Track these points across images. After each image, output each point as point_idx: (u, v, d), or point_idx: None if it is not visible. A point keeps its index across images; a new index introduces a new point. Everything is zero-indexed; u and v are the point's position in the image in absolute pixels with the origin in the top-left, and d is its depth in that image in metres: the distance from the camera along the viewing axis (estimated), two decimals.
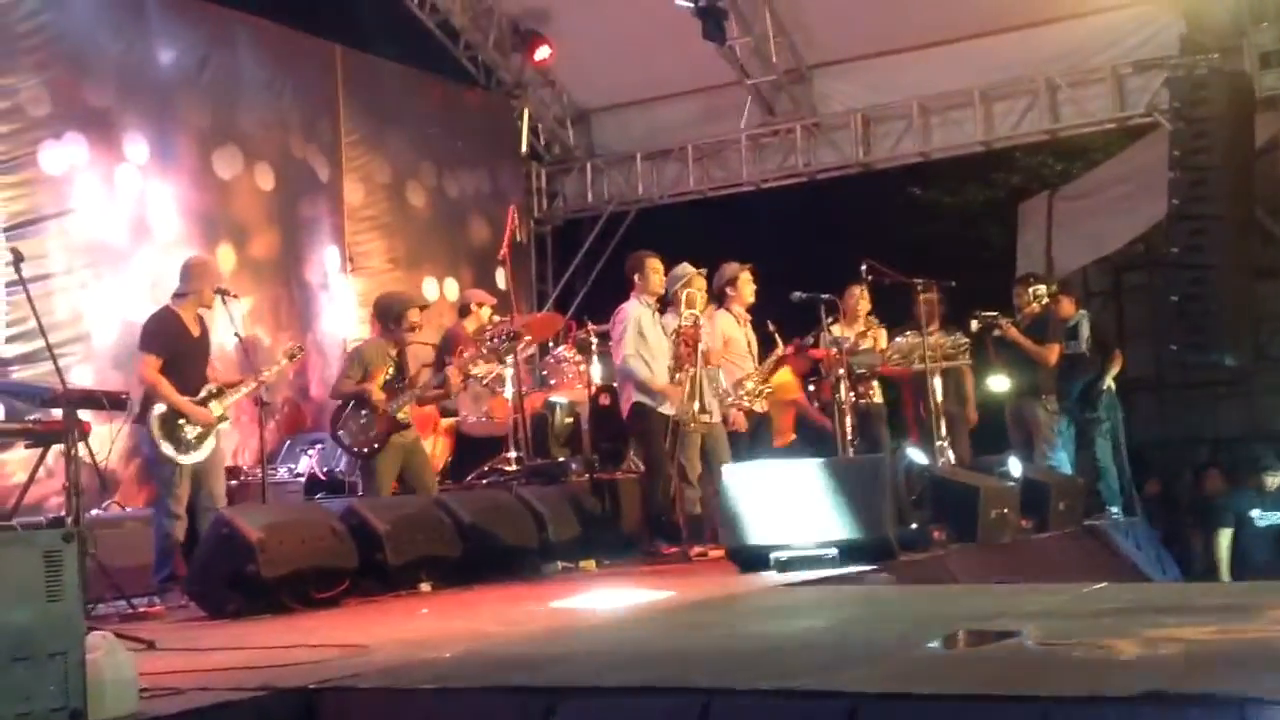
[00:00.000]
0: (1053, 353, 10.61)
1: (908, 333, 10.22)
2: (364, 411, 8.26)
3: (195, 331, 7.77)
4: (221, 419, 7.71)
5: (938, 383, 10.04)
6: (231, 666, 4.37)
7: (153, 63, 10.13)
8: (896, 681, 3.33)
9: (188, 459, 7.52)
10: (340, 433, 8.36)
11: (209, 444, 7.63)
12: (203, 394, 7.64)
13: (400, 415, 8.32)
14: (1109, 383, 10.99)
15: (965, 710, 3.01)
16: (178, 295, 7.81)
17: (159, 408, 7.46)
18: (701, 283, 8.90)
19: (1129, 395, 12.03)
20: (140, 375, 7.69)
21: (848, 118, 13.29)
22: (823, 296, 9.24)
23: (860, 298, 10.27)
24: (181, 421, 7.50)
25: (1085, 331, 11.07)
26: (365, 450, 8.30)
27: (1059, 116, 12.55)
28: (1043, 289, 11.00)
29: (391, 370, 8.43)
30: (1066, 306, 11.20)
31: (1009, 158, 15.80)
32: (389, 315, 8.62)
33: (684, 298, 8.70)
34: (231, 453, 9.84)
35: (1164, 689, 2.87)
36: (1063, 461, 10.72)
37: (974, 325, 10.52)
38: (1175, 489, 13.37)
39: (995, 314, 10.77)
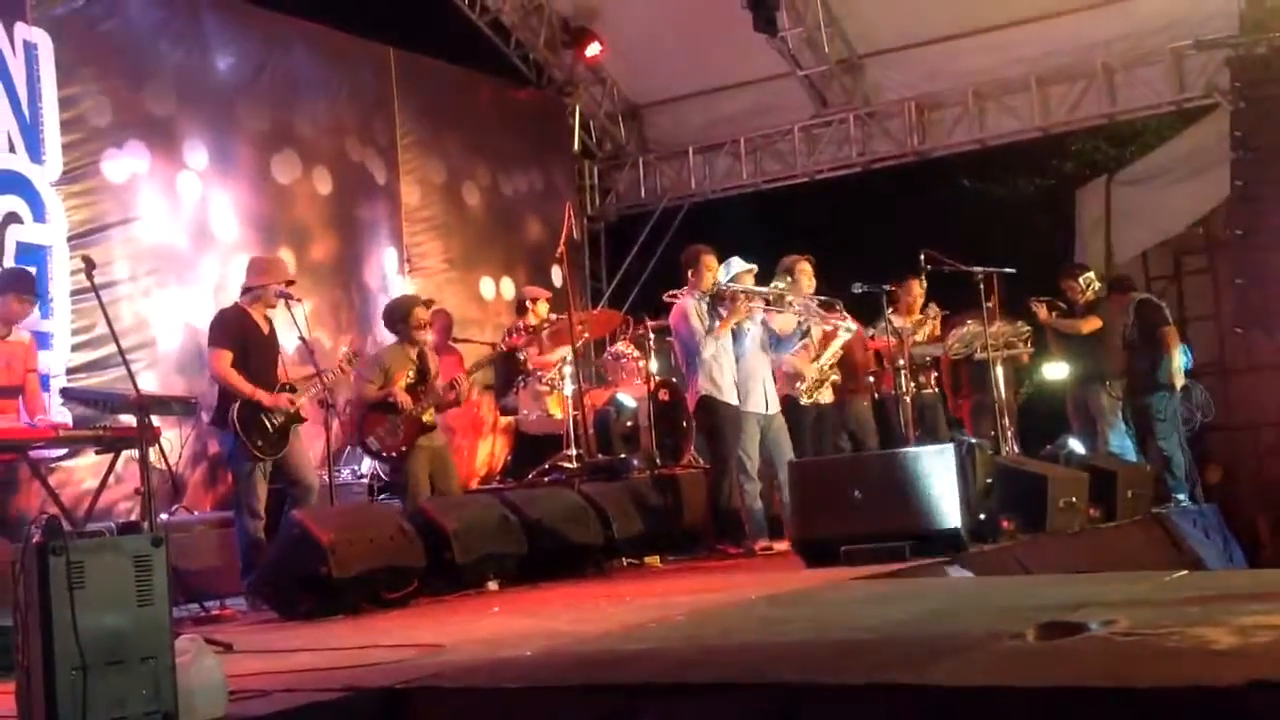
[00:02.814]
0: (1087, 324, 10.53)
1: (969, 322, 10.15)
2: (391, 416, 8.29)
3: (265, 329, 7.86)
4: (297, 416, 7.76)
5: (999, 371, 10.01)
6: (313, 668, 4.39)
7: (211, 69, 10.22)
8: (989, 674, 3.29)
9: (267, 455, 7.59)
10: (368, 439, 8.38)
11: (288, 438, 7.70)
12: (277, 389, 7.72)
13: (426, 418, 8.34)
14: (1173, 369, 10.77)
15: (1062, 703, 2.96)
16: (244, 292, 7.90)
17: (237, 404, 7.52)
18: (750, 279, 8.84)
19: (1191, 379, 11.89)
20: (212, 372, 7.78)
21: (901, 106, 13.23)
22: (884, 287, 9.19)
23: (918, 293, 10.21)
24: (261, 416, 7.56)
25: (1132, 316, 10.95)
26: (394, 455, 8.34)
27: (1117, 100, 12.41)
28: (1092, 275, 10.92)
29: (413, 374, 8.45)
30: (1121, 298, 11.07)
31: (1062, 145, 15.65)
32: (396, 318, 8.69)
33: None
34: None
35: (1269, 677, 2.82)
36: (1126, 448, 10.62)
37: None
38: (1238, 474, 13.18)
39: (1050, 299, 10.71)
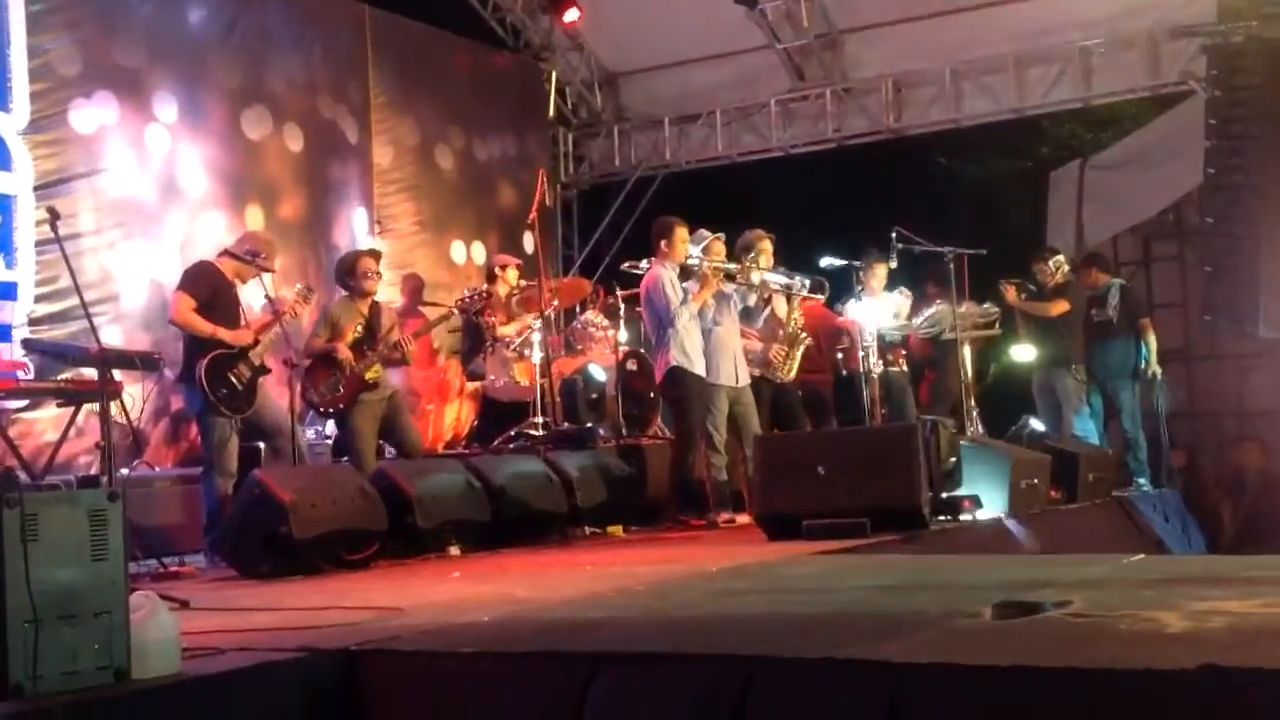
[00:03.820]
0: (1056, 307, 10.59)
1: (938, 302, 10.18)
2: (334, 372, 8.25)
3: (234, 290, 7.85)
4: (262, 368, 7.74)
5: (966, 352, 10.05)
6: (270, 627, 4.37)
7: (183, 22, 10.10)
8: (943, 652, 3.30)
9: (235, 412, 7.55)
10: (309, 393, 8.35)
11: (256, 393, 7.68)
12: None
13: (369, 375, 8.29)
14: (1153, 359, 10.85)
15: (1015, 682, 2.98)
16: (228, 254, 7.87)
17: (204, 361, 7.48)
18: (720, 247, 8.85)
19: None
20: (172, 313, 7.76)
21: (878, 83, 13.21)
22: (854, 264, 9.19)
23: (881, 276, 10.23)
24: (228, 373, 7.52)
25: (1115, 299, 10.99)
26: (333, 410, 8.32)
27: (1092, 84, 12.44)
28: (1062, 258, 10.96)
29: (361, 328, 8.40)
30: (1096, 275, 11.12)
31: (1037, 126, 15.66)
32: (343, 271, 8.66)
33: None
34: None
35: (1220, 662, 2.84)
36: (1090, 432, 10.69)
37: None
38: (1201, 461, 13.30)
39: (1020, 281, 10.74)
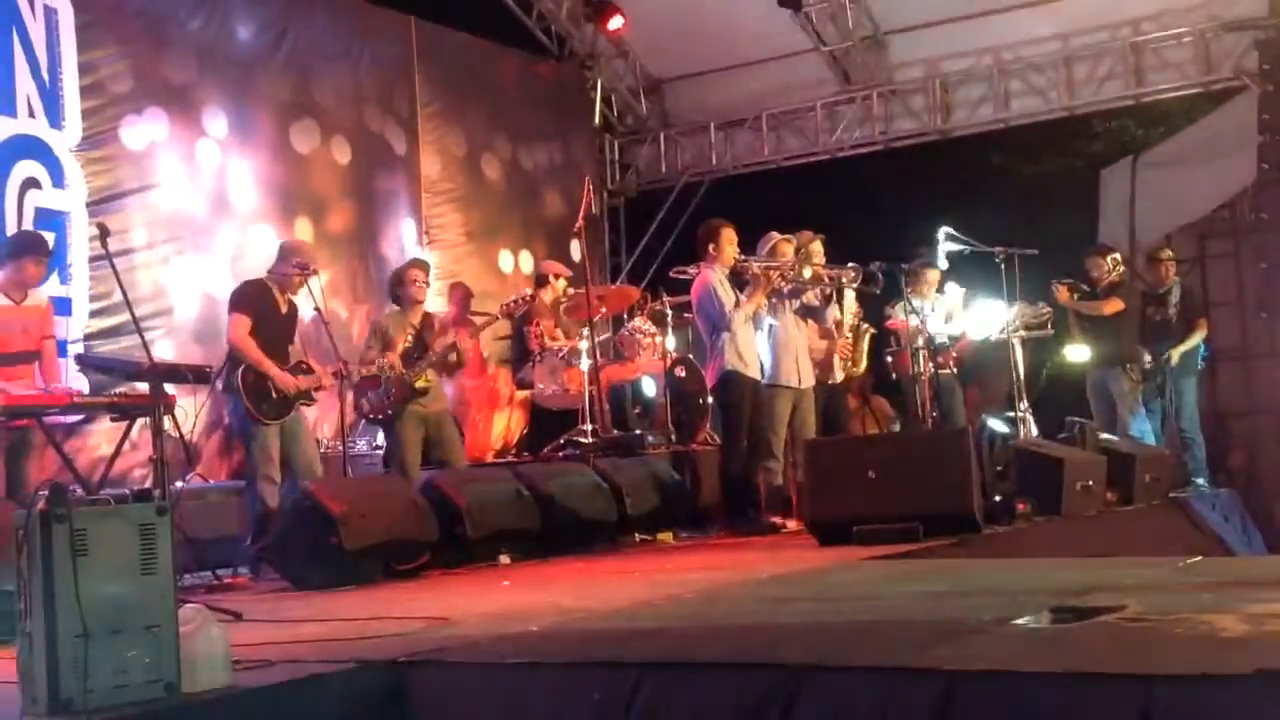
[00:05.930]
0: (1110, 306, 10.45)
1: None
2: (382, 380, 8.31)
3: (283, 309, 7.88)
4: (303, 396, 7.78)
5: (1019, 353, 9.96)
6: (319, 639, 4.39)
7: (231, 37, 10.20)
8: (994, 659, 3.26)
9: (271, 419, 7.61)
10: (361, 402, 8.46)
11: (292, 406, 7.74)
12: (290, 365, 7.76)
13: (418, 384, 8.33)
14: (1177, 353, 10.68)
15: (1067, 689, 2.94)
16: (270, 271, 7.95)
17: (243, 367, 7.54)
18: (788, 249, 8.81)
19: (1214, 364, 11.80)
20: (229, 336, 7.80)
21: (925, 84, 13.13)
22: (902, 266, 9.13)
23: (932, 280, 10.16)
24: (268, 383, 7.58)
25: (1175, 298, 10.84)
26: (381, 418, 8.39)
27: (1143, 80, 12.30)
28: (1117, 256, 10.83)
29: (411, 339, 8.46)
30: (1167, 270, 10.95)
31: (1088, 124, 15.51)
32: (394, 284, 8.76)
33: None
34: (312, 425, 9.93)
35: (1276, 667, 2.79)
36: (1145, 432, 10.54)
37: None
38: (1258, 460, 13.08)
39: (1072, 281, 10.61)
